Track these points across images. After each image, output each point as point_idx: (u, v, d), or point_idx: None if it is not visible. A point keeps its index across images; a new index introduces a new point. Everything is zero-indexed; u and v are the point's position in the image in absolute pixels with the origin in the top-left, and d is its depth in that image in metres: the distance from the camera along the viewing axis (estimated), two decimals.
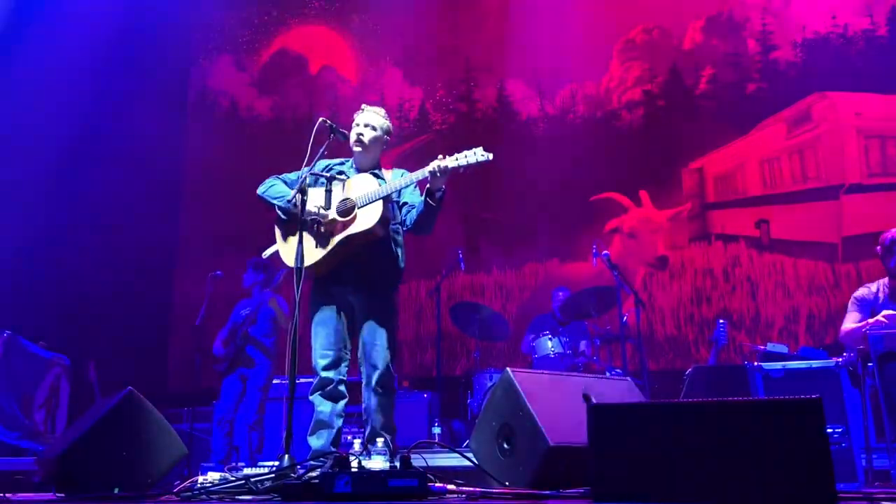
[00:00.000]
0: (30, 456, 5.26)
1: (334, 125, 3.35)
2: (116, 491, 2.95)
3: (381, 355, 3.18)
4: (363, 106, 3.48)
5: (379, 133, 3.41)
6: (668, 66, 7.31)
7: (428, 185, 3.09)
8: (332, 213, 3.17)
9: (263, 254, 3.41)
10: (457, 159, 3.03)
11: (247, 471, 3.12)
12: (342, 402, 3.22)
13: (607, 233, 7.07)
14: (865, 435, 3.71)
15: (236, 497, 2.63)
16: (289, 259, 3.18)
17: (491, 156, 3.03)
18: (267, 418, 5.37)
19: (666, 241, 6.96)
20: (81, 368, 6.35)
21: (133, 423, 3.21)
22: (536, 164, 7.36)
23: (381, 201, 3.13)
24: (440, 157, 3.07)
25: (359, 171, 3.37)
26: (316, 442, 3.20)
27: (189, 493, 2.72)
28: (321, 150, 3.29)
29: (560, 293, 5.99)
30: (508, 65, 7.88)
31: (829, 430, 2.35)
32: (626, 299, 5.49)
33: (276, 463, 2.87)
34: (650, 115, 7.30)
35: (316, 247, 3.15)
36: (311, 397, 3.23)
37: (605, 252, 5.24)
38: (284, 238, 3.29)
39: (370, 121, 3.40)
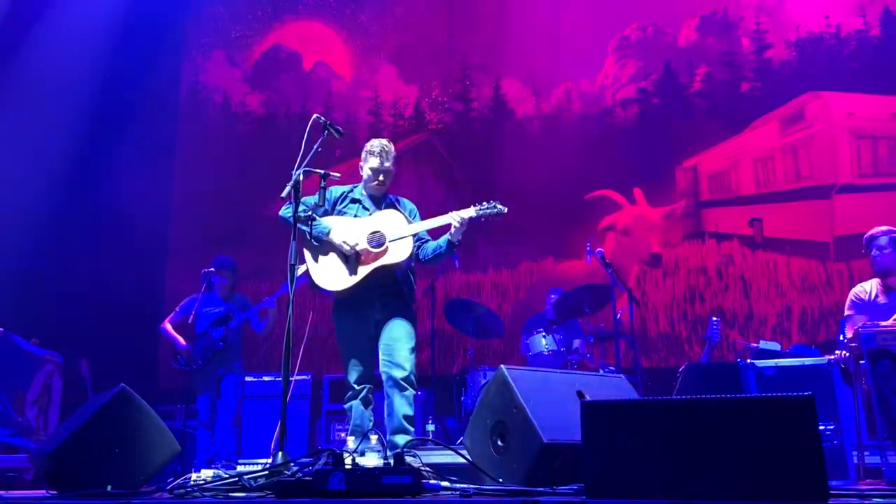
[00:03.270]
0: (22, 453, 5.24)
1: (328, 122, 3.36)
2: (109, 488, 2.93)
3: (404, 357, 3.44)
4: (383, 148, 3.58)
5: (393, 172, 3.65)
6: (662, 63, 7.32)
7: (450, 237, 3.44)
8: (364, 244, 3.43)
9: (299, 272, 3.47)
10: (477, 211, 3.40)
11: (239, 468, 3.12)
12: (371, 407, 3.51)
13: (601, 230, 7.08)
14: (857, 432, 3.74)
15: (230, 494, 2.62)
16: (321, 280, 3.45)
17: (506, 209, 3.41)
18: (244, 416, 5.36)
19: (660, 238, 6.97)
20: (74, 365, 6.33)
21: (126, 420, 3.19)
22: (532, 162, 7.36)
23: (411, 238, 3.46)
24: (461, 210, 3.42)
25: (371, 197, 3.63)
26: (354, 444, 3.27)
27: (182, 491, 2.71)
28: (315, 147, 3.29)
29: (553, 295, 5.99)
30: (504, 64, 7.88)
31: (821, 428, 2.36)
32: (620, 297, 5.49)
33: (269, 460, 2.86)
34: (644, 112, 7.32)
35: (349, 274, 3.44)
36: (346, 406, 3.52)
37: (599, 250, 5.25)
38: (315, 259, 3.49)
39: (390, 167, 3.59)
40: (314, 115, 3.35)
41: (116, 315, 7.24)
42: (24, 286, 6.66)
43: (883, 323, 3.70)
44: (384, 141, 3.62)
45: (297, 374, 5.77)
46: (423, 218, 3.66)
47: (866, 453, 3.75)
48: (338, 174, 3.35)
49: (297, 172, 3.22)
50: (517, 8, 7.85)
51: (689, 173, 7.03)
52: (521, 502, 2.05)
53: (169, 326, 5.40)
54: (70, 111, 7.24)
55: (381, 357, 3.45)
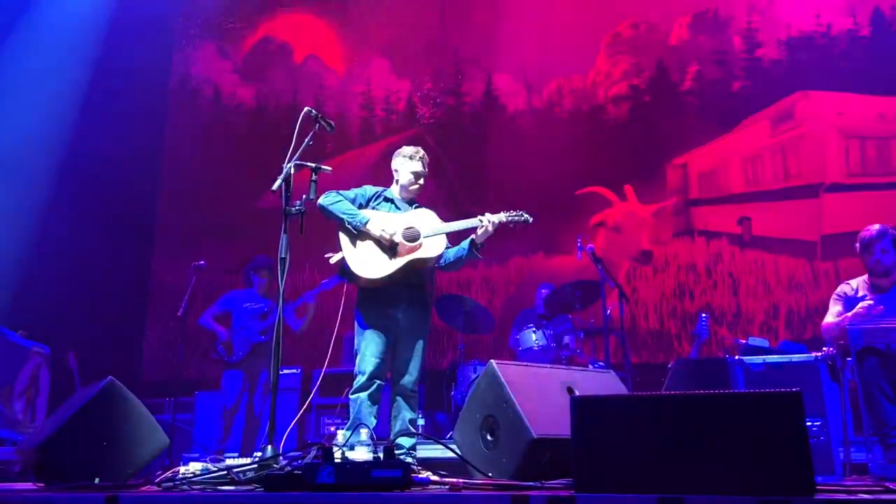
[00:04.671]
0: (9, 445, 5.20)
1: (320, 115, 3.36)
2: (97, 481, 2.92)
3: (417, 367, 3.62)
4: (423, 155, 3.80)
5: None
6: (654, 61, 7.33)
7: (474, 238, 3.60)
8: (399, 237, 3.55)
9: (331, 260, 3.63)
10: (507, 216, 3.58)
11: (229, 461, 3.11)
12: (376, 406, 3.57)
13: (592, 227, 7.09)
14: (843, 429, 3.77)
15: (218, 488, 2.61)
16: (357, 266, 3.53)
17: (532, 220, 3.60)
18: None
19: (650, 235, 7.00)
20: (61, 358, 6.29)
21: (114, 413, 3.18)
22: (523, 158, 7.37)
23: (444, 236, 3.61)
24: (491, 214, 3.58)
25: (403, 200, 3.80)
26: (353, 437, 3.28)
27: (170, 484, 2.70)
28: (306, 140, 3.28)
29: (544, 290, 6.01)
30: (496, 59, 7.87)
31: (808, 424, 2.38)
32: (610, 293, 5.52)
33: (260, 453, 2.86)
34: (636, 109, 7.33)
35: (385, 263, 3.55)
36: (352, 396, 3.54)
37: (590, 246, 5.26)
38: (354, 244, 3.59)
39: (427, 172, 3.81)
40: (305, 109, 3.35)
41: (104, 307, 7.20)
42: (12, 278, 6.61)
43: (863, 305, 3.72)
44: (419, 148, 3.84)
45: (287, 368, 5.79)
46: None
47: (852, 450, 3.78)
48: (329, 168, 3.35)
49: (288, 166, 3.21)
50: (510, 2, 7.84)
51: (679, 171, 7.06)
52: (510, 497, 2.05)
53: (210, 319, 5.52)
54: (57, 102, 7.17)
55: (397, 363, 3.60)
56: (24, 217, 6.87)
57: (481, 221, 3.55)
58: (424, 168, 3.79)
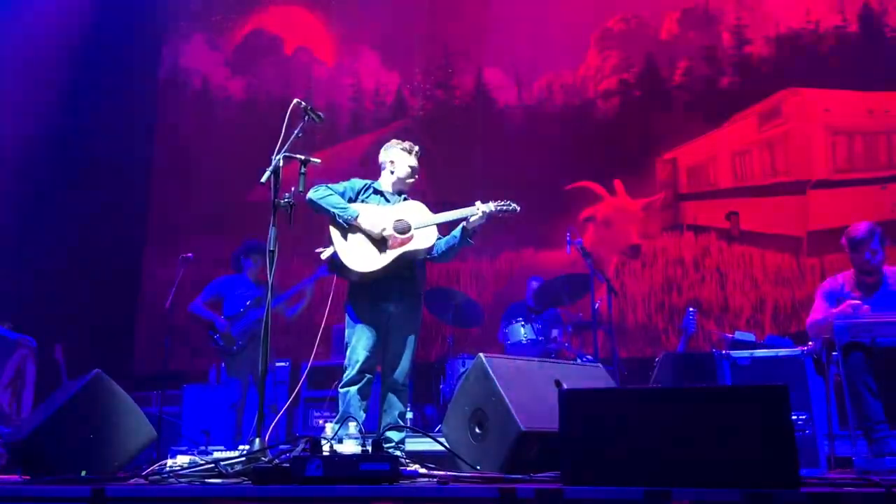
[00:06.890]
0: None
1: (309, 106, 3.35)
2: (83, 474, 2.91)
3: (408, 361, 3.63)
4: (417, 149, 3.82)
5: None
6: (644, 56, 7.34)
7: (465, 224, 3.60)
8: (389, 230, 3.54)
9: (322, 255, 3.62)
10: (495, 206, 3.61)
11: (217, 454, 3.10)
12: (366, 401, 3.56)
13: (581, 221, 7.11)
14: (829, 422, 3.80)
15: (206, 481, 2.60)
16: (349, 260, 3.52)
17: (518, 209, 3.64)
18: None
19: (639, 230, 7.02)
20: (48, 350, 6.25)
21: (101, 405, 3.17)
22: (512, 152, 7.36)
23: (435, 227, 3.61)
24: (480, 204, 3.62)
25: (393, 192, 3.79)
26: (341, 431, 3.28)
27: (158, 477, 2.69)
28: (295, 132, 3.28)
29: (534, 283, 6.02)
30: (487, 52, 7.86)
31: (793, 417, 2.40)
32: (599, 287, 5.53)
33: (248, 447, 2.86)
34: (625, 104, 7.34)
35: (377, 256, 3.54)
36: (341, 390, 3.53)
37: (579, 240, 5.27)
38: (345, 238, 3.57)
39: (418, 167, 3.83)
40: (295, 100, 3.34)
41: (92, 300, 7.16)
42: None
43: (850, 303, 3.75)
44: (413, 143, 3.85)
45: (277, 361, 5.78)
46: None
47: (837, 443, 3.82)
48: (318, 160, 3.34)
49: (277, 158, 3.19)
50: None
51: (668, 166, 7.08)
52: (497, 489, 2.06)
53: (201, 305, 5.32)
54: (45, 95, 7.11)
55: (388, 357, 3.61)
56: (12, 209, 6.81)
57: (476, 209, 3.56)
58: (416, 163, 3.81)
